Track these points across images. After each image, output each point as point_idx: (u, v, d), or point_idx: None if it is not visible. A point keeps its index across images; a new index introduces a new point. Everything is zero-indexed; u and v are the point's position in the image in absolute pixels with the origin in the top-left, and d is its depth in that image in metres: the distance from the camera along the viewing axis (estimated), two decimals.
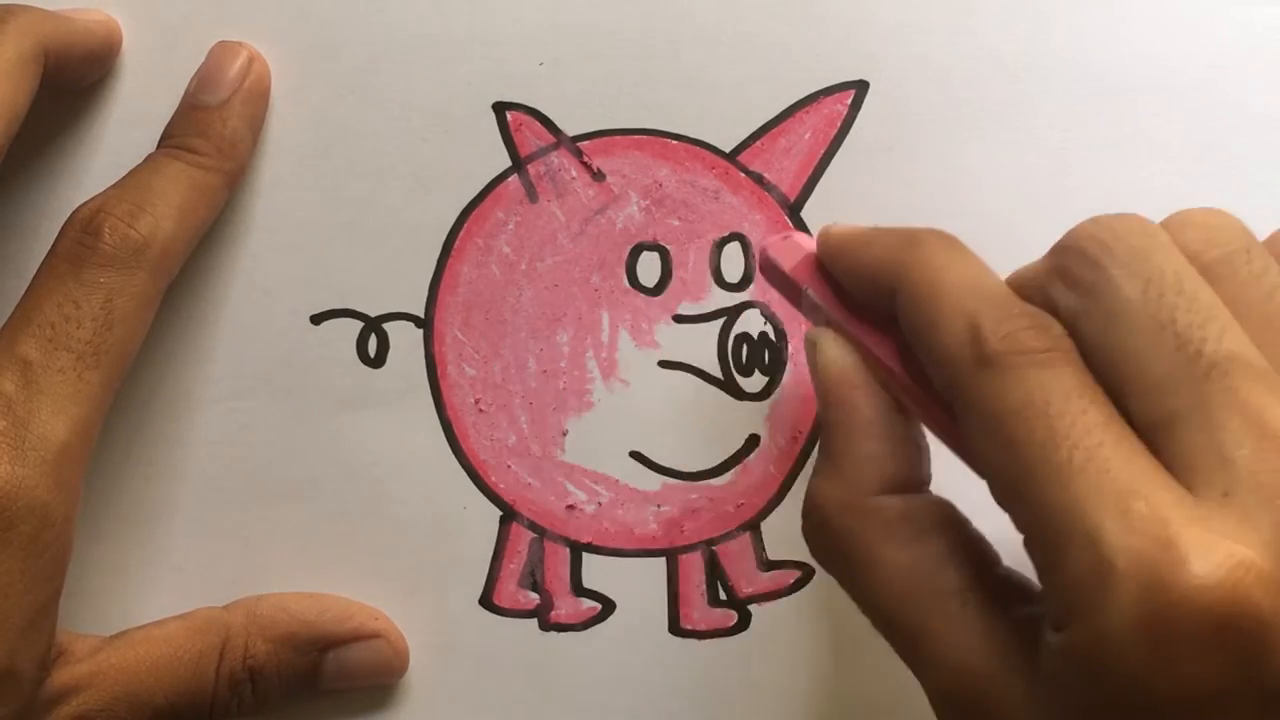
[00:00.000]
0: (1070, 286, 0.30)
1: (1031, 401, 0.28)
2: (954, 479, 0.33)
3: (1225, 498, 0.26)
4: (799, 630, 0.42)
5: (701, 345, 0.42)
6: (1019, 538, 0.29)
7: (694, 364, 0.42)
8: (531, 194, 0.42)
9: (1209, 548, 0.25)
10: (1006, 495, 0.29)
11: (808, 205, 0.42)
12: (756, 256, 0.41)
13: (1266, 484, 0.26)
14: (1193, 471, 0.27)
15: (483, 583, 0.42)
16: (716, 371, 0.42)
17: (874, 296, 0.34)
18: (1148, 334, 0.28)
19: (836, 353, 0.35)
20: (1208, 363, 0.27)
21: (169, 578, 0.42)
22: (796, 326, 0.42)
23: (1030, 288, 0.31)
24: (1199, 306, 0.28)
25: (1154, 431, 0.28)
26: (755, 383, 0.42)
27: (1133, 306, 0.28)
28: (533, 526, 0.42)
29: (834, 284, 0.36)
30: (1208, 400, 0.27)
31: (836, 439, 0.34)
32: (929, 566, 0.31)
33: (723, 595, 0.42)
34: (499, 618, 0.42)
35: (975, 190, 0.42)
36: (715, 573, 0.42)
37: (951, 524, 0.32)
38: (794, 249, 0.38)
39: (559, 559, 0.42)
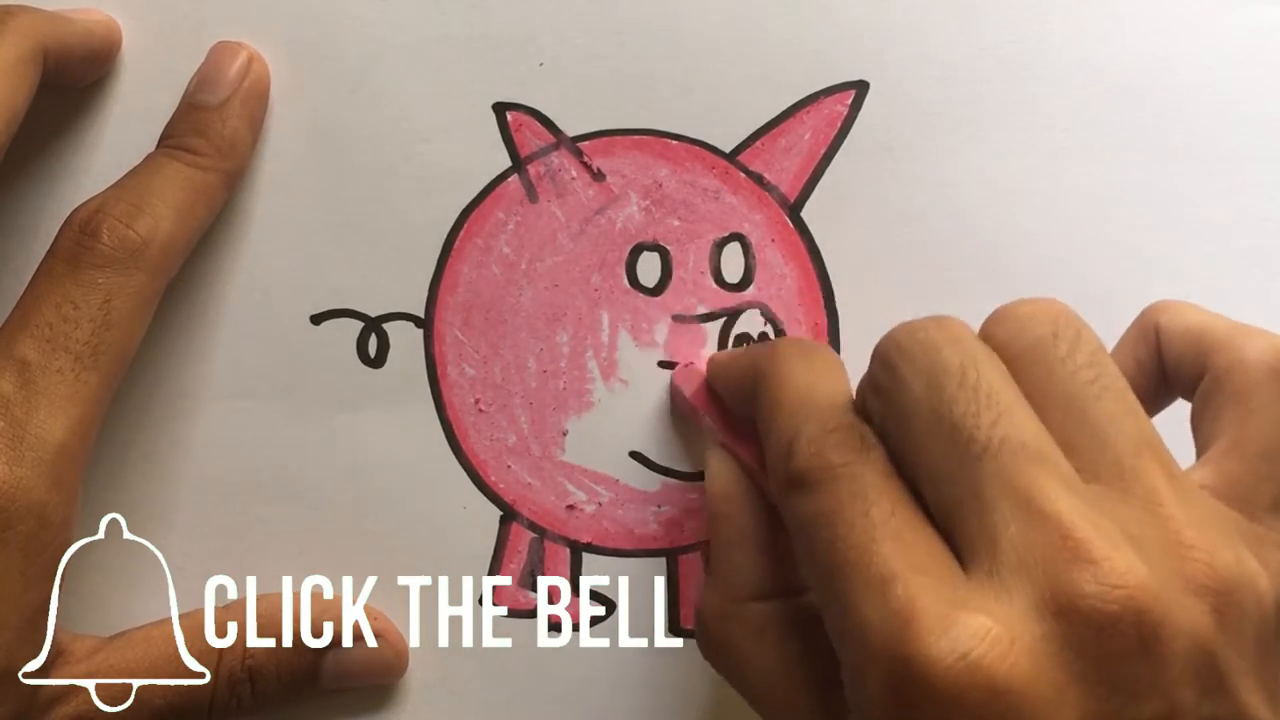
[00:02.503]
0: (875, 393, 0.31)
1: (822, 512, 0.30)
2: None
3: (989, 576, 0.28)
4: None
5: (702, 345, 0.42)
6: None
7: (694, 364, 0.42)
8: (531, 194, 0.42)
9: (950, 624, 0.27)
10: (818, 600, 0.30)
11: (808, 205, 0.42)
12: (669, 386, 0.42)
13: (1028, 558, 0.27)
14: (969, 553, 0.28)
15: (483, 583, 0.42)
16: None
17: (747, 411, 0.36)
18: (929, 427, 0.30)
19: (718, 468, 0.38)
20: (980, 448, 0.29)
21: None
22: (797, 327, 0.42)
23: (859, 394, 0.33)
24: (977, 395, 0.29)
25: (944, 519, 0.29)
26: None
27: (917, 402, 0.30)
28: (533, 526, 0.42)
29: (724, 406, 0.39)
30: (980, 485, 0.28)
31: (715, 550, 0.37)
32: (790, 667, 0.34)
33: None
34: (499, 618, 0.42)
35: (975, 190, 0.42)
36: None
37: (814, 626, 0.33)
38: (694, 376, 0.41)
39: (559, 559, 0.42)
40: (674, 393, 0.42)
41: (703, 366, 0.41)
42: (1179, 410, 0.34)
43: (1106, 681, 0.27)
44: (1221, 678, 0.27)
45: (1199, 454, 0.32)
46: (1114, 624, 0.27)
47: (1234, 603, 0.28)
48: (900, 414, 0.30)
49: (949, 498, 0.29)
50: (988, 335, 0.32)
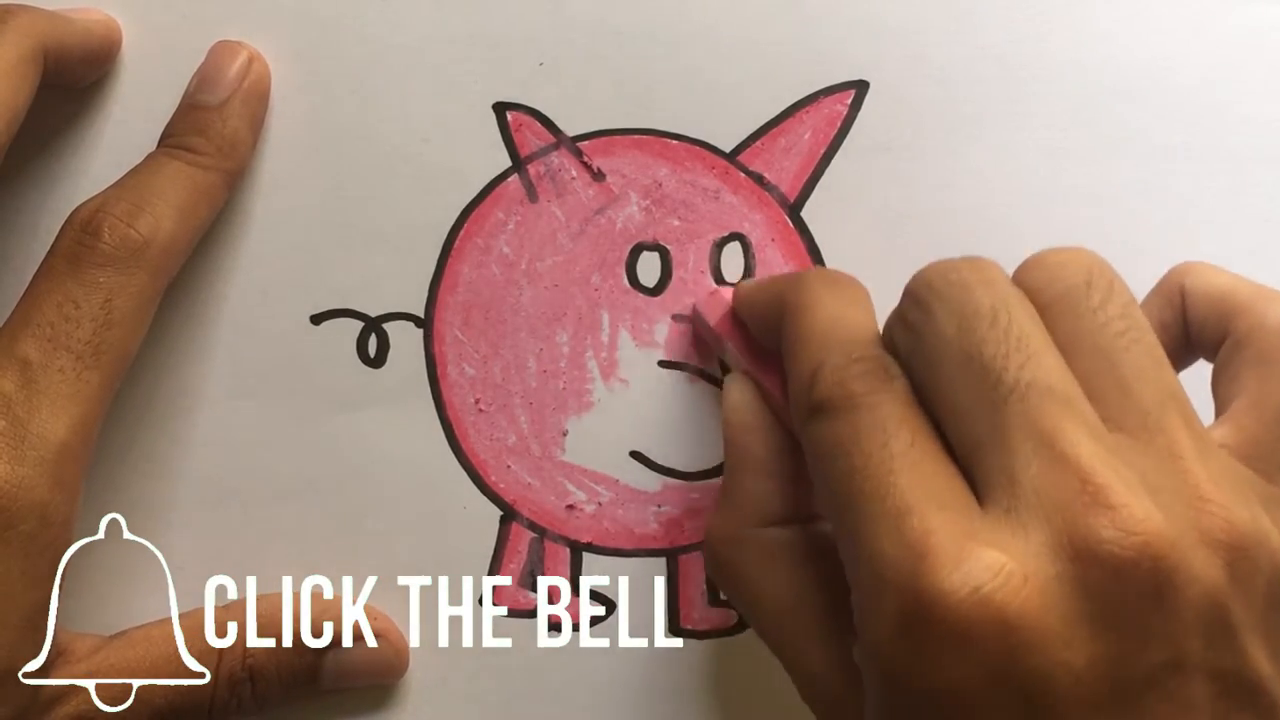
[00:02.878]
0: (905, 328, 0.32)
1: (840, 442, 0.30)
2: None
3: (1006, 513, 0.28)
4: None
5: (701, 345, 0.42)
6: None
7: (694, 364, 0.42)
8: (531, 194, 0.42)
9: (964, 557, 0.27)
10: (834, 529, 0.31)
11: (808, 205, 0.42)
12: (690, 312, 0.42)
13: (1047, 499, 0.28)
14: (988, 490, 0.29)
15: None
16: (717, 371, 0.42)
17: (773, 341, 0.36)
18: (958, 366, 0.30)
19: (738, 396, 0.38)
20: (1007, 390, 0.29)
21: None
22: None
23: (886, 329, 0.33)
24: (1008, 338, 0.30)
25: (965, 456, 0.30)
26: None
27: (947, 341, 0.30)
28: (533, 526, 0.42)
29: (749, 334, 0.39)
30: (1004, 425, 0.29)
31: (729, 476, 0.37)
32: (800, 592, 0.34)
33: (723, 595, 0.42)
34: (499, 618, 0.42)
35: (975, 190, 0.42)
36: None
37: (825, 554, 0.34)
38: (719, 304, 0.40)
39: (559, 559, 0.42)
40: (696, 320, 0.41)
41: (727, 295, 0.40)
42: (1202, 370, 0.34)
43: (1117, 626, 0.27)
44: (1230, 630, 0.28)
45: (1218, 415, 0.33)
46: (1129, 569, 0.27)
47: (1248, 558, 0.28)
48: (929, 350, 0.31)
49: (972, 435, 0.29)
50: (1021, 280, 0.32)
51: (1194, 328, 0.34)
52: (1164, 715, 0.27)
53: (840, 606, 0.32)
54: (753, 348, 0.39)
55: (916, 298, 0.32)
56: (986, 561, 0.27)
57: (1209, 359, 0.34)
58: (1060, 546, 0.27)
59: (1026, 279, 0.32)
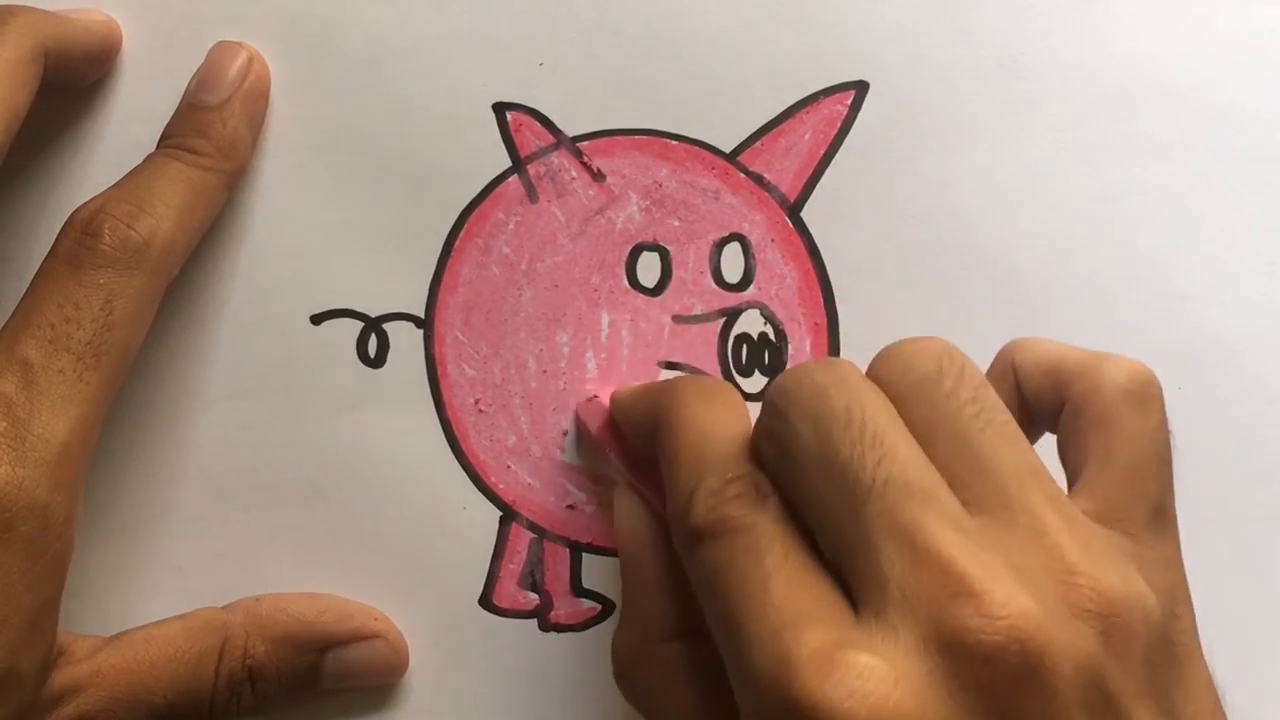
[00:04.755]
0: (768, 440, 0.32)
1: (718, 567, 0.31)
2: None
3: (877, 617, 0.28)
4: None
5: (701, 345, 0.42)
6: None
7: (694, 364, 0.42)
8: (531, 194, 0.42)
9: (834, 665, 0.27)
10: (720, 649, 0.31)
11: (808, 205, 0.42)
12: (573, 419, 0.42)
13: (912, 596, 0.28)
14: (860, 595, 0.29)
15: (483, 583, 0.42)
16: (716, 372, 0.42)
17: (651, 450, 0.36)
18: (819, 472, 0.30)
19: (627, 511, 0.38)
20: (865, 490, 0.29)
21: (169, 578, 0.42)
22: (796, 328, 0.42)
23: (752, 441, 0.33)
24: (863, 437, 0.30)
25: (837, 562, 0.30)
26: (755, 383, 0.42)
27: (806, 448, 0.30)
28: (532, 527, 0.42)
29: (628, 442, 0.39)
30: (867, 526, 0.29)
31: (627, 593, 0.37)
32: (699, 706, 0.34)
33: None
34: (499, 618, 0.42)
35: (975, 190, 0.42)
36: None
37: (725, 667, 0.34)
38: (599, 410, 0.40)
39: (559, 559, 0.42)
40: (579, 427, 0.42)
41: (606, 401, 0.41)
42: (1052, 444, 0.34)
43: (995, 713, 0.27)
44: (1111, 700, 0.28)
45: (1070, 484, 0.33)
46: (999, 655, 0.27)
47: (1121, 624, 0.28)
48: (791, 460, 0.31)
49: (840, 541, 0.29)
50: (875, 375, 0.32)
51: (1030, 401, 0.34)
52: None
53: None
54: (634, 457, 0.39)
55: (774, 407, 0.31)
56: (858, 666, 0.27)
57: (1051, 430, 0.34)
58: (929, 641, 0.27)
59: (880, 373, 0.32)
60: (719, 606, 0.30)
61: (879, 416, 0.30)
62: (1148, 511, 0.31)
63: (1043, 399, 0.34)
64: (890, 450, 0.30)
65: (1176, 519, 0.32)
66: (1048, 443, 0.34)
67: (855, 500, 0.29)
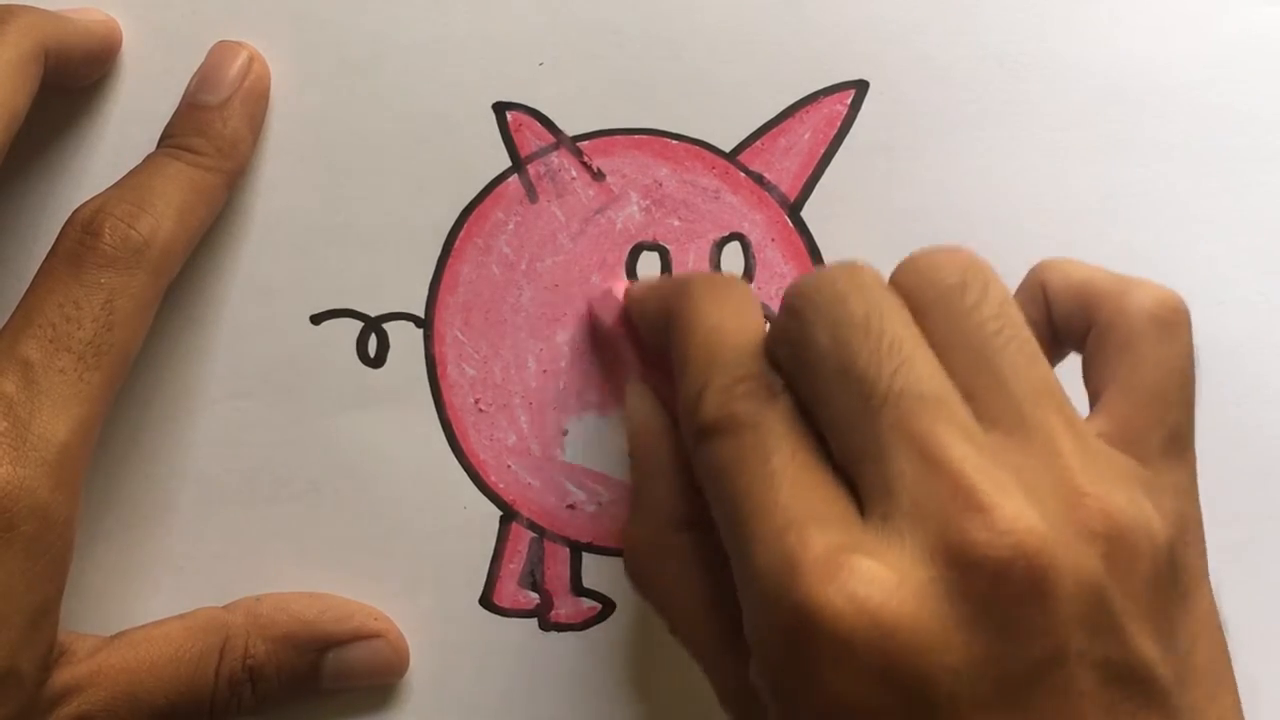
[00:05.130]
0: (784, 341, 0.32)
1: (727, 463, 0.31)
2: None
3: (884, 522, 0.28)
4: None
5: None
6: None
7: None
8: (531, 194, 0.42)
9: (837, 568, 0.27)
10: (726, 547, 0.31)
11: (808, 205, 0.42)
12: (586, 311, 0.42)
13: (921, 505, 0.28)
14: (868, 500, 0.29)
15: (483, 583, 0.42)
16: None
17: (664, 345, 0.36)
18: (835, 378, 0.30)
19: (639, 404, 0.38)
20: (880, 399, 0.29)
21: (169, 578, 0.42)
22: None
23: (768, 342, 0.33)
24: (880, 345, 0.30)
25: (847, 467, 0.30)
26: None
27: (822, 353, 0.30)
28: (533, 526, 0.42)
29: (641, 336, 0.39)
30: (879, 434, 0.29)
31: (637, 482, 0.37)
32: (713, 600, 0.34)
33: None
34: (499, 618, 0.42)
35: (975, 190, 0.42)
36: None
37: None
38: (613, 303, 0.40)
39: (559, 559, 0.42)
40: (593, 321, 0.42)
41: (620, 295, 0.41)
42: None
43: (995, 626, 0.27)
44: (1112, 619, 0.28)
45: (1091, 404, 0.33)
46: (1004, 570, 0.27)
47: (1126, 546, 0.28)
48: (806, 363, 0.31)
49: (852, 446, 0.30)
50: (897, 284, 0.32)
51: (1059, 322, 0.34)
52: (1051, 709, 0.27)
53: None
54: (647, 350, 0.39)
55: (792, 309, 0.31)
56: (861, 571, 0.27)
57: (1078, 351, 0.34)
58: (934, 551, 0.28)
59: (902, 282, 0.32)
60: (725, 503, 0.30)
61: (898, 325, 0.30)
62: (1164, 438, 0.31)
63: (1071, 320, 0.34)
64: (907, 359, 0.30)
65: (1194, 448, 0.32)
66: (1073, 363, 0.34)
67: (869, 407, 0.29)
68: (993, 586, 0.27)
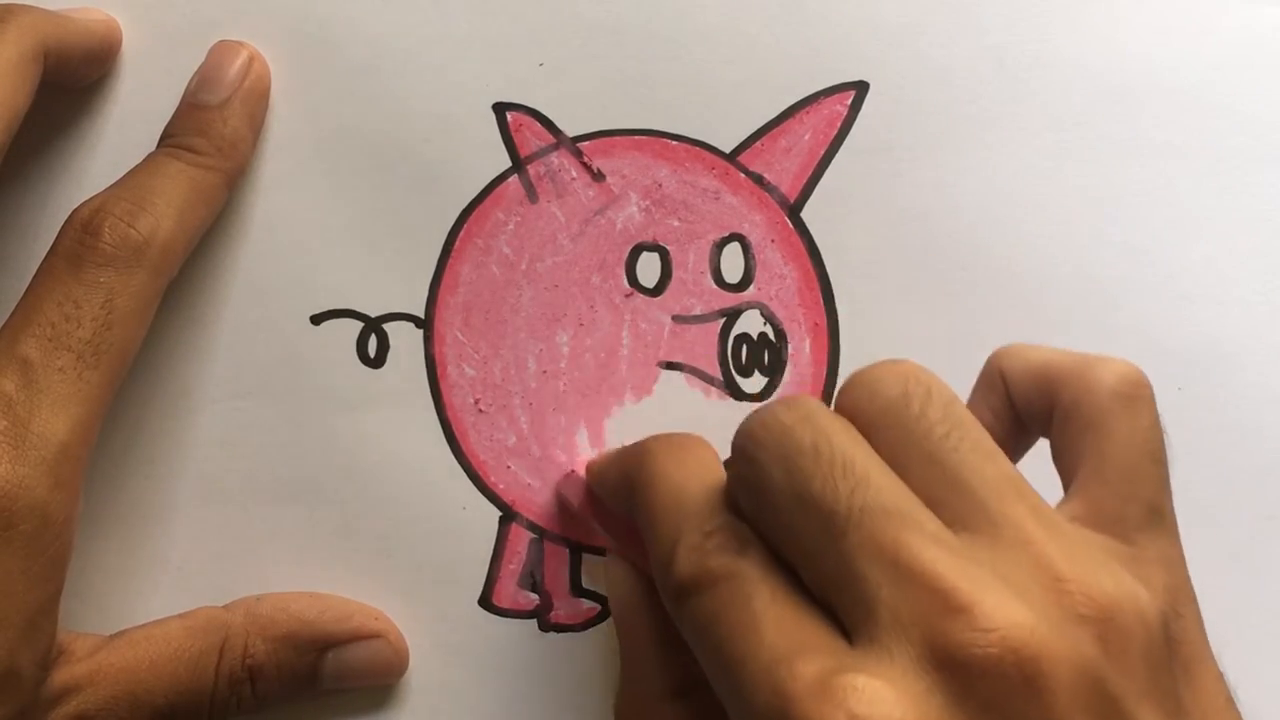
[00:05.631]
0: (741, 486, 0.31)
1: (709, 616, 0.30)
2: None
3: (871, 643, 0.28)
4: None
5: (701, 345, 0.42)
6: None
7: (694, 364, 0.42)
8: (531, 194, 0.42)
9: (833, 690, 0.27)
10: (720, 699, 0.30)
11: (808, 205, 0.42)
12: (554, 496, 0.42)
13: (903, 617, 0.27)
14: (852, 626, 0.28)
15: (482, 583, 0.42)
16: (716, 372, 0.42)
17: (631, 514, 0.36)
18: (795, 510, 0.30)
19: (617, 578, 0.38)
20: (843, 520, 0.29)
21: (169, 578, 0.42)
22: (797, 327, 0.42)
23: (728, 491, 0.33)
24: (833, 468, 0.29)
25: (825, 598, 0.29)
26: (755, 383, 0.42)
27: (778, 489, 0.30)
28: (532, 527, 0.42)
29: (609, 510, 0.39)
30: (849, 556, 0.28)
31: (625, 655, 0.37)
32: None
33: None
34: (499, 618, 0.42)
35: (975, 190, 0.42)
36: None
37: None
38: (578, 483, 0.41)
39: (559, 559, 0.42)
40: (561, 503, 0.42)
41: (583, 473, 0.41)
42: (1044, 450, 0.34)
43: None
44: (1114, 703, 0.27)
45: (1065, 487, 0.32)
46: (994, 667, 0.27)
47: (1117, 627, 0.28)
48: (766, 502, 0.30)
49: (824, 574, 0.29)
50: (841, 407, 0.32)
51: (1021, 407, 0.34)
52: None
53: None
54: (618, 523, 0.39)
55: (743, 452, 0.31)
56: (857, 689, 0.27)
57: (1045, 435, 0.34)
58: (924, 660, 0.27)
59: (845, 404, 0.32)
60: (712, 654, 0.30)
61: (847, 446, 0.30)
62: (1142, 513, 0.31)
63: (1033, 405, 0.34)
64: (862, 478, 0.29)
65: (1175, 519, 0.32)
66: (1041, 451, 0.34)
67: (834, 531, 0.29)
68: (987, 686, 0.27)
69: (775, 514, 0.30)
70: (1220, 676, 0.31)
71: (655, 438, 0.37)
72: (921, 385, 0.31)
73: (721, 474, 0.34)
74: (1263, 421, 0.42)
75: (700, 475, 0.34)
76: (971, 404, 0.35)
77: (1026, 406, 0.34)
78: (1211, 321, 0.42)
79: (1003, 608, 0.27)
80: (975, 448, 0.30)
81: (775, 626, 0.29)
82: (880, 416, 0.31)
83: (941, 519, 0.29)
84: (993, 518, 0.29)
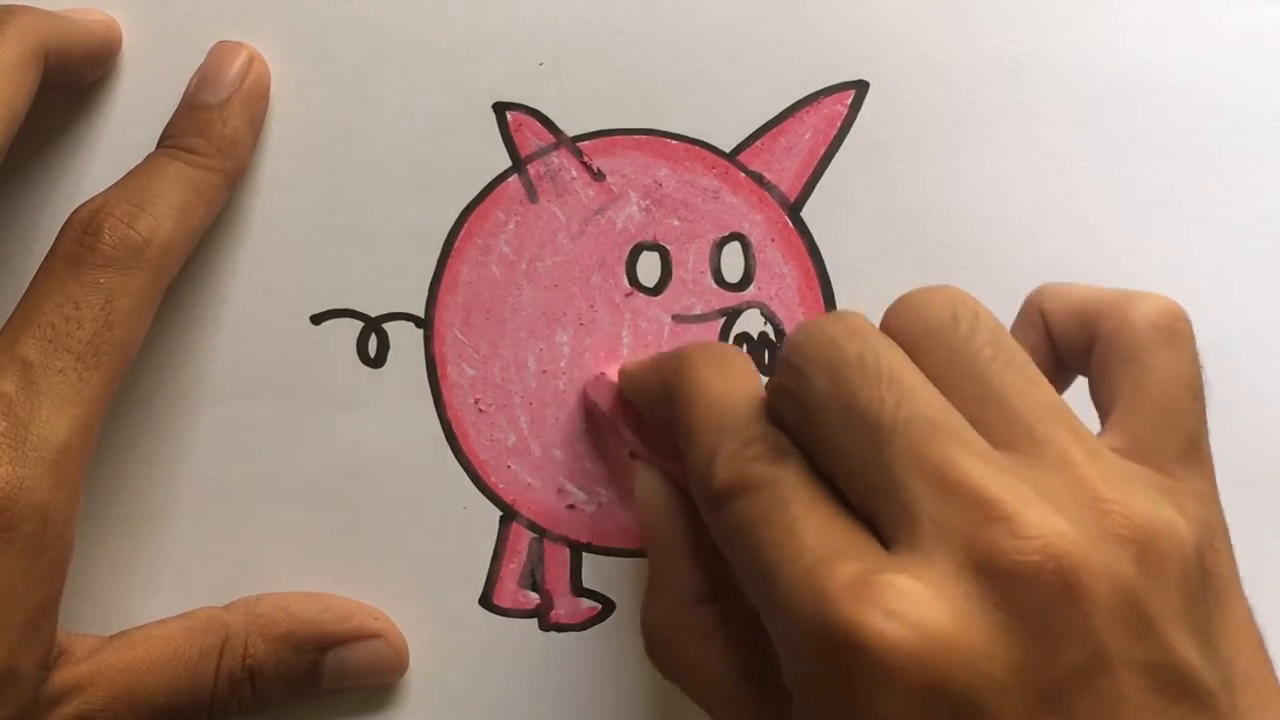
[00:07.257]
0: (785, 396, 0.32)
1: (745, 524, 0.31)
2: None
3: (911, 551, 0.28)
4: None
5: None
6: None
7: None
8: (531, 194, 0.42)
9: (874, 591, 0.27)
10: (755, 603, 0.31)
11: (808, 205, 0.42)
12: (580, 395, 0.42)
13: (945, 527, 0.28)
14: (891, 534, 0.29)
15: (483, 583, 0.42)
16: None
17: (665, 422, 0.36)
18: (839, 420, 0.30)
19: (646, 482, 0.38)
20: (887, 431, 0.29)
21: (169, 578, 0.42)
22: None
23: (770, 401, 0.33)
24: (879, 380, 0.30)
25: (865, 507, 0.30)
26: None
27: (824, 399, 0.30)
28: (533, 526, 0.42)
29: (641, 416, 0.40)
30: (892, 466, 0.29)
31: (653, 561, 0.37)
32: (734, 665, 0.34)
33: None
34: (499, 618, 0.42)
35: (975, 190, 0.42)
36: None
37: (756, 623, 0.34)
38: (607, 387, 0.41)
39: (559, 559, 0.42)
40: (588, 406, 0.42)
41: (614, 377, 0.41)
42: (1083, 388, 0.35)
43: (1033, 632, 0.27)
44: (1149, 622, 0.28)
45: (1102, 421, 0.33)
46: (1035, 574, 0.27)
47: (1155, 549, 0.28)
48: (809, 413, 0.31)
49: (866, 484, 0.29)
50: (887, 326, 0.32)
51: (1060, 344, 0.34)
52: (1097, 715, 0.27)
53: (773, 675, 0.33)
54: (647, 430, 0.39)
55: (789, 364, 0.32)
56: (896, 587, 0.27)
57: (1083, 373, 0.34)
58: (965, 567, 0.27)
59: (892, 324, 0.32)
60: (749, 559, 0.30)
61: (894, 360, 0.30)
62: (1179, 445, 0.31)
63: (1072, 341, 0.34)
64: (909, 390, 0.30)
65: (1211, 455, 0.32)
66: (1080, 389, 0.34)
67: (878, 442, 0.29)
68: (1026, 593, 0.27)
69: (818, 424, 0.30)
70: (1250, 615, 0.31)
71: (695, 346, 0.37)
72: (969, 309, 0.32)
73: (760, 385, 0.34)
74: (1263, 421, 0.42)
75: (741, 386, 0.34)
76: None
77: (1066, 343, 0.34)
78: (1211, 321, 0.42)
79: (1046, 520, 0.27)
80: (1021, 371, 0.31)
81: (814, 531, 0.29)
82: (927, 338, 0.31)
83: (985, 439, 0.30)
84: (1036, 439, 0.29)
